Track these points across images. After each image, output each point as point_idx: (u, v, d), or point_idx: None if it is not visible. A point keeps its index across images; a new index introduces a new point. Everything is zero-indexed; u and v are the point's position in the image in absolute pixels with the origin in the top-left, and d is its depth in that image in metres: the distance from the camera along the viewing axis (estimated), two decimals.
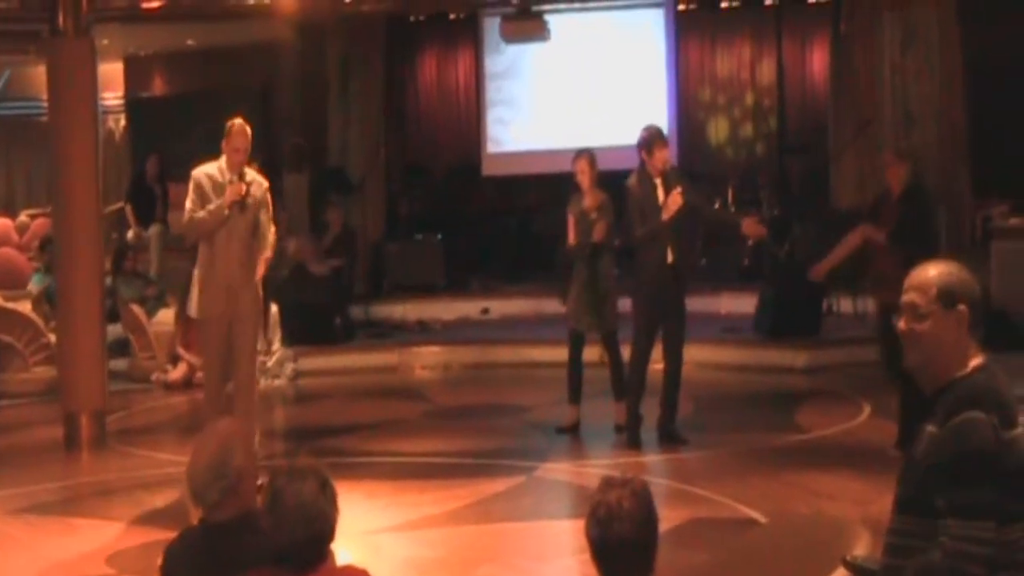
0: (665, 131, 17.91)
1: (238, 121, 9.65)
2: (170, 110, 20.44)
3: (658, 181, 10.10)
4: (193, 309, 9.81)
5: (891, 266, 9.51)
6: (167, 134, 18.84)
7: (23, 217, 22.38)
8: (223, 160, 9.64)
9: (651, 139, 10.19)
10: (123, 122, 23.53)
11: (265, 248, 9.71)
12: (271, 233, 9.75)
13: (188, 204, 9.64)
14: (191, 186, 9.66)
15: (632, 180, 10.22)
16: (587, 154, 10.90)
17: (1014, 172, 15.27)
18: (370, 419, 12.12)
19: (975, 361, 3.92)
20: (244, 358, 9.77)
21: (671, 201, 9.99)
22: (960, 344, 3.92)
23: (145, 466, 9.86)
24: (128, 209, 18.70)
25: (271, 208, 9.85)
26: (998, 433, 3.74)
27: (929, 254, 9.32)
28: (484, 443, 10.86)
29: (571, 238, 10.77)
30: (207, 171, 9.64)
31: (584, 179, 10.75)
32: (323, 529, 3.75)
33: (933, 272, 3.97)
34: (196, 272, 9.77)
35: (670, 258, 10.05)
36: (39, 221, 20.97)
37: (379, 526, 8.39)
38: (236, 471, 4.18)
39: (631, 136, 10.40)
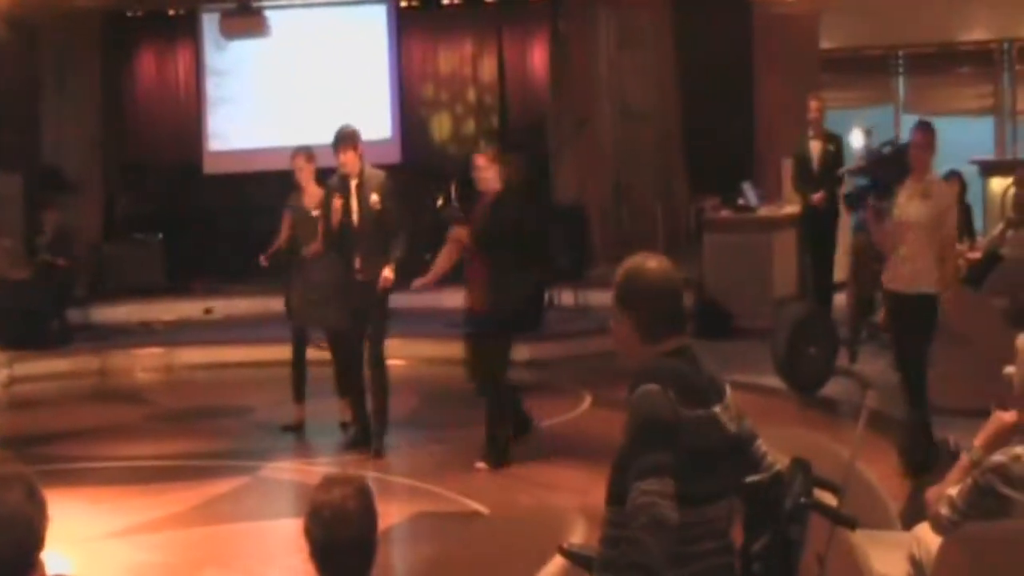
0: (388, 128, 18.21)
1: None
2: None
3: (352, 184, 9.89)
4: None
5: (477, 273, 9.58)
6: None
7: None
8: None
9: (334, 141, 9.87)
10: None
11: None
12: None
13: None
14: None
15: (331, 181, 10.13)
16: (304, 151, 10.75)
17: (725, 166, 15.80)
18: (89, 424, 11.84)
19: (666, 347, 4.04)
20: None
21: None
22: (640, 336, 4.06)
23: None
24: None
25: None
26: (675, 407, 3.87)
27: (520, 259, 9.50)
28: (208, 444, 10.75)
29: (284, 236, 10.73)
30: None
31: (303, 176, 10.66)
32: (29, 539, 3.63)
33: (620, 269, 4.11)
34: None
35: (356, 263, 9.89)
36: None
37: (100, 532, 8.24)
38: None
39: None
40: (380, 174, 10.02)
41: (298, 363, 10.90)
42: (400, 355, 13.82)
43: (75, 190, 17.55)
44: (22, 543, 3.61)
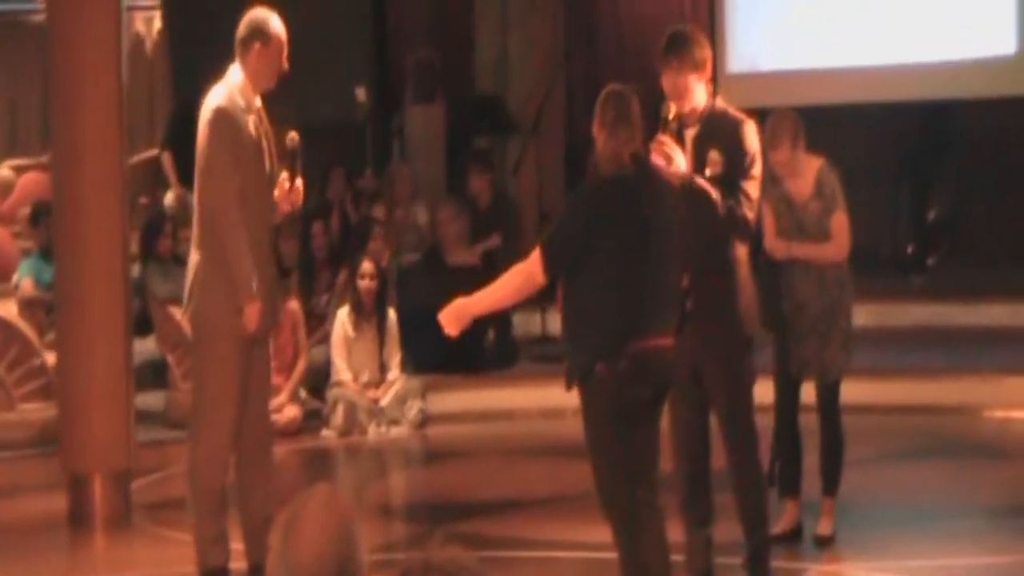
0: (1013, 42, 18.03)
1: (274, 16, 9.54)
2: (224, 7, 20.65)
3: (688, 133, 9.50)
4: (211, 321, 9.44)
5: None
6: (221, 41, 19.03)
7: (5, 171, 22.56)
8: (241, 81, 9.53)
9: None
10: (158, 23, 23.86)
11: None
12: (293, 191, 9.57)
13: (216, 159, 9.32)
14: (214, 125, 9.38)
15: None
16: (788, 119, 10.63)
17: None
18: (537, 490, 12.15)
19: None
20: (261, 389, 9.69)
21: None
22: None
23: (188, 558, 9.98)
24: (166, 158, 18.80)
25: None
26: None
27: None
28: None
29: (769, 236, 10.39)
30: (231, 104, 9.43)
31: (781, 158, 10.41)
32: None
33: None
34: (205, 268, 9.38)
35: None
36: (29, 177, 21.18)
37: None
38: (362, 567, 4.17)
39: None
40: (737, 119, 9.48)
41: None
42: None
43: (528, 132, 18.10)
44: None
